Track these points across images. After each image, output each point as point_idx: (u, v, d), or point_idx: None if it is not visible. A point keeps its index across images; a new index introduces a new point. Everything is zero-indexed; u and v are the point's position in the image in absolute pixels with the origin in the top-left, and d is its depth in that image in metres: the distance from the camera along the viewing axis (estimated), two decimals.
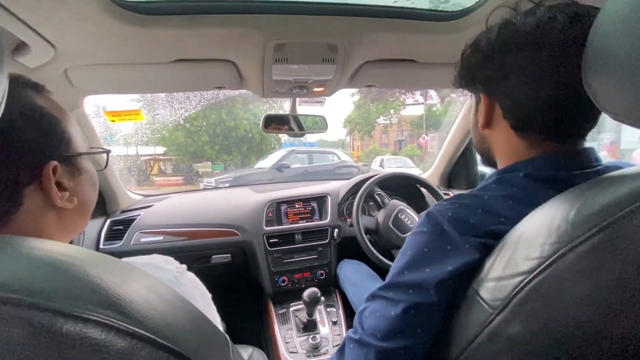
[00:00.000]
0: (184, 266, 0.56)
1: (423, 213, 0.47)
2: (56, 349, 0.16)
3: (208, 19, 0.65)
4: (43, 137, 0.38)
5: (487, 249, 0.39)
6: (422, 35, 0.76)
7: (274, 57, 0.76)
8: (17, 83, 0.38)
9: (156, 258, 0.55)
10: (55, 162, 0.39)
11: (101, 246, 1.25)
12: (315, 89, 0.98)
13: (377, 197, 1.30)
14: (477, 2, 0.71)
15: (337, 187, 1.51)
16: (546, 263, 0.31)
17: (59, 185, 0.39)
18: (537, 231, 0.33)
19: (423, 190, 1.45)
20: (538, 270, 0.31)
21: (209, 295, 0.52)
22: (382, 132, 21.55)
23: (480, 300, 0.37)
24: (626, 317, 0.27)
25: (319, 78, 0.90)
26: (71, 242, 0.45)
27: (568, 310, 0.29)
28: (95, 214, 1.37)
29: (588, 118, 0.43)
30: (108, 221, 1.32)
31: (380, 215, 1.24)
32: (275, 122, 1.27)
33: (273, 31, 0.69)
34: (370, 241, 1.19)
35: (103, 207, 1.38)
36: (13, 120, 0.34)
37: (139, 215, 1.35)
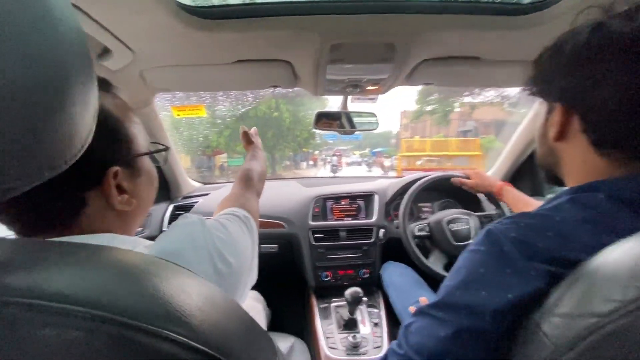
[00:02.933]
0: None
1: (482, 229, 0.44)
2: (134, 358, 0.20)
3: (267, 21, 0.67)
4: (106, 141, 0.38)
5: (554, 278, 0.35)
6: (490, 31, 0.69)
7: (330, 57, 0.75)
8: None
9: None
10: (116, 168, 0.39)
11: (164, 228, 1.38)
12: (369, 88, 0.96)
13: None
14: None
15: (386, 185, 1.47)
16: (628, 309, 0.27)
17: (119, 187, 0.40)
18: (620, 268, 0.29)
19: (480, 195, 1.36)
20: (617, 315, 0.27)
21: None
22: (456, 119, 18.70)
23: (542, 335, 0.33)
24: None
25: (374, 77, 0.87)
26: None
27: None
28: (160, 199, 1.52)
29: None
30: (171, 206, 1.45)
31: (432, 219, 1.19)
32: (325, 119, 1.27)
33: (330, 32, 0.69)
34: (418, 245, 1.15)
35: (167, 193, 1.52)
36: None
37: (198, 202, 1.46)
